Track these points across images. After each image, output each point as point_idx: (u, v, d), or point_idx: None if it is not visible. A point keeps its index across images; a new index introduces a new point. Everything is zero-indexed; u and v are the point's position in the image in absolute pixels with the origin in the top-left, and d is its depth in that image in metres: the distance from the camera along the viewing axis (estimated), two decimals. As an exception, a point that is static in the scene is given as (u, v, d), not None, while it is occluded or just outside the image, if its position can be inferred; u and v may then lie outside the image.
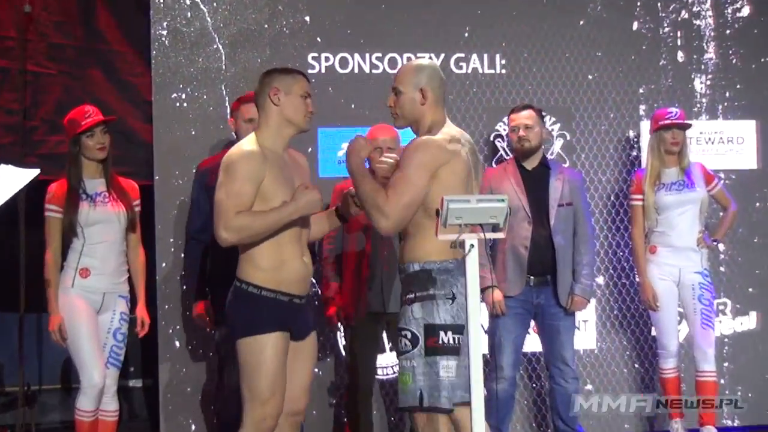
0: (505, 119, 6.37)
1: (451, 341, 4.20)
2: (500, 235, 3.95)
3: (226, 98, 6.45)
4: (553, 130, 6.88)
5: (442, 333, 4.19)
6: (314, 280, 6.07)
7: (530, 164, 6.03)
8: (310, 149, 6.44)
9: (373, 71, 6.72)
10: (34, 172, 5.18)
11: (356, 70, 6.71)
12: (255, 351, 4.32)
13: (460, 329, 4.19)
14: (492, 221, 3.87)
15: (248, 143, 4.39)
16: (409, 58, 6.63)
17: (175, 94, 6.47)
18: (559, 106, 6.93)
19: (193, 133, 6.46)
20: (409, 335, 4.25)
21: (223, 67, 6.54)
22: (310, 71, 6.52)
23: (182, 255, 6.20)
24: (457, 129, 4.44)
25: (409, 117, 4.44)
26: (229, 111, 6.17)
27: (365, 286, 5.79)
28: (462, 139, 4.39)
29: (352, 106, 6.67)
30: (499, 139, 6.83)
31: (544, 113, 6.28)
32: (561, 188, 5.98)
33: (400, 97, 4.42)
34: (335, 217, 4.74)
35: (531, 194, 5.95)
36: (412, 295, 4.27)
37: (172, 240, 6.39)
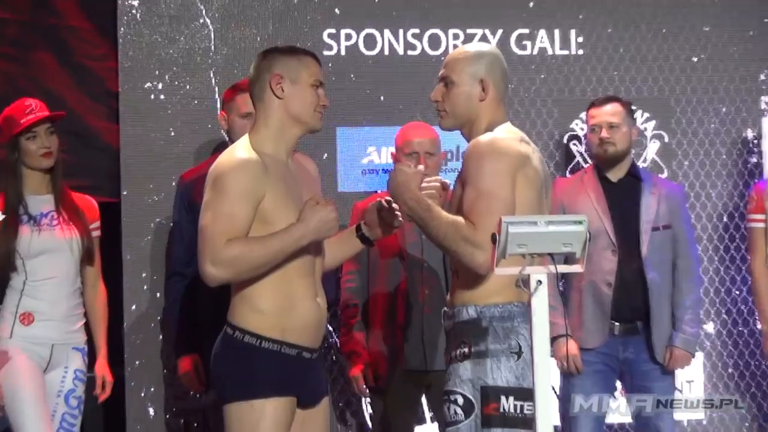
0: (583, 115, 6.41)
1: (512, 409, 4.17)
2: (577, 269, 3.91)
3: (216, 88, 6.50)
4: (645, 129, 6.92)
5: (503, 398, 4.17)
6: (330, 328, 6.03)
7: (615, 175, 6.04)
8: (326, 155, 6.53)
9: (409, 52, 6.75)
10: None
11: (387, 52, 6.76)
12: (248, 420, 4.27)
13: (526, 395, 4.16)
14: (566, 250, 3.84)
15: (242, 149, 4.35)
16: (456, 36, 6.75)
17: (149, 84, 6.52)
18: (653, 98, 6.97)
19: (173, 134, 6.51)
20: (460, 401, 4.23)
21: (212, 47, 6.59)
22: (325, 53, 6.60)
23: (158, 295, 6.22)
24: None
25: (462, 116, 4.44)
26: (219, 103, 6.18)
27: (401, 336, 5.78)
28: (531, 143, 4.40)
29: (381, 98, 6.71)
30: (575, 142, 6.86)
31: (633, 107, 6.29)
32: (656, 206, 6.00)
33: (451, 90, 4.42)
34: (356, 239, 4.68)
35: (616, 214, 5.97)
36: (466, 350, 4.25)
37: (144, 275, 6.42)
